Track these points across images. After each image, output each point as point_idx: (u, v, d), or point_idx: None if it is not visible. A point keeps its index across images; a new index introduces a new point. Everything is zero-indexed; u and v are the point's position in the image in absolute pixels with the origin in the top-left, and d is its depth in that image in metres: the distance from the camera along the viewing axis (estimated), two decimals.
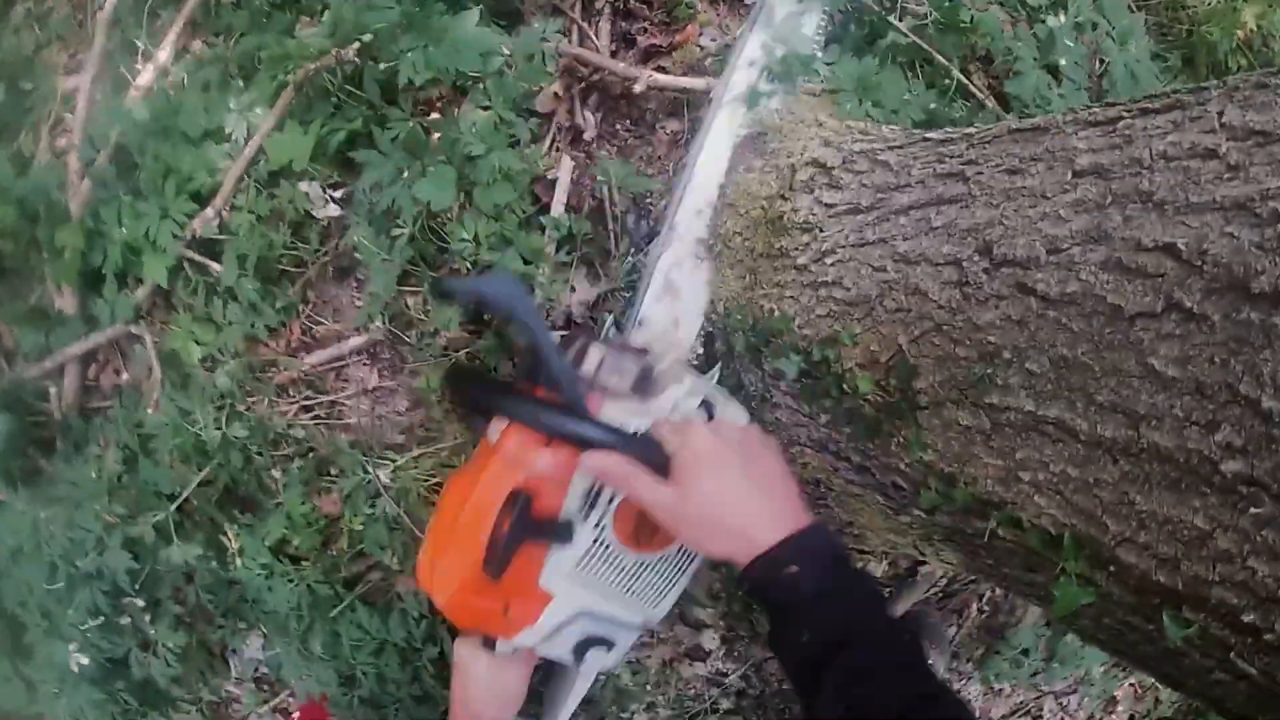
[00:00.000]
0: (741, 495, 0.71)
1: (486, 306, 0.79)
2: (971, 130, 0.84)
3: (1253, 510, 0.52)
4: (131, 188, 1.15)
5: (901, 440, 0.81)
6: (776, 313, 0.95)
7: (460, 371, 0.93)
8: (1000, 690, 1.48)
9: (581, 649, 0.90)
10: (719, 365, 1.05)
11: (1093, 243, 0.60)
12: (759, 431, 0.78)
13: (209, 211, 1.11)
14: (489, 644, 0.93)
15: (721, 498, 0.71)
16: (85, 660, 1.13)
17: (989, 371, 0.66)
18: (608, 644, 0.91)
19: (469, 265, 1.07)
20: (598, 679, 1.10)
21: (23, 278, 1.28)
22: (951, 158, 0.80)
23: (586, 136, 1.14)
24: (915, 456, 0.79)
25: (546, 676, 1.17)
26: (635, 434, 0.77)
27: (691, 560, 0.89)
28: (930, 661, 1.32)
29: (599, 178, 1.09)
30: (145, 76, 1.22)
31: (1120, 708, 1.65)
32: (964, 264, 0.70)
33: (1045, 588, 0.75)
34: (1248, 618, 0.55)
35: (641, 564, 0.84)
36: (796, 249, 0.94)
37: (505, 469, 0.81)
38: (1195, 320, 0.53)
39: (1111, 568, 0.63)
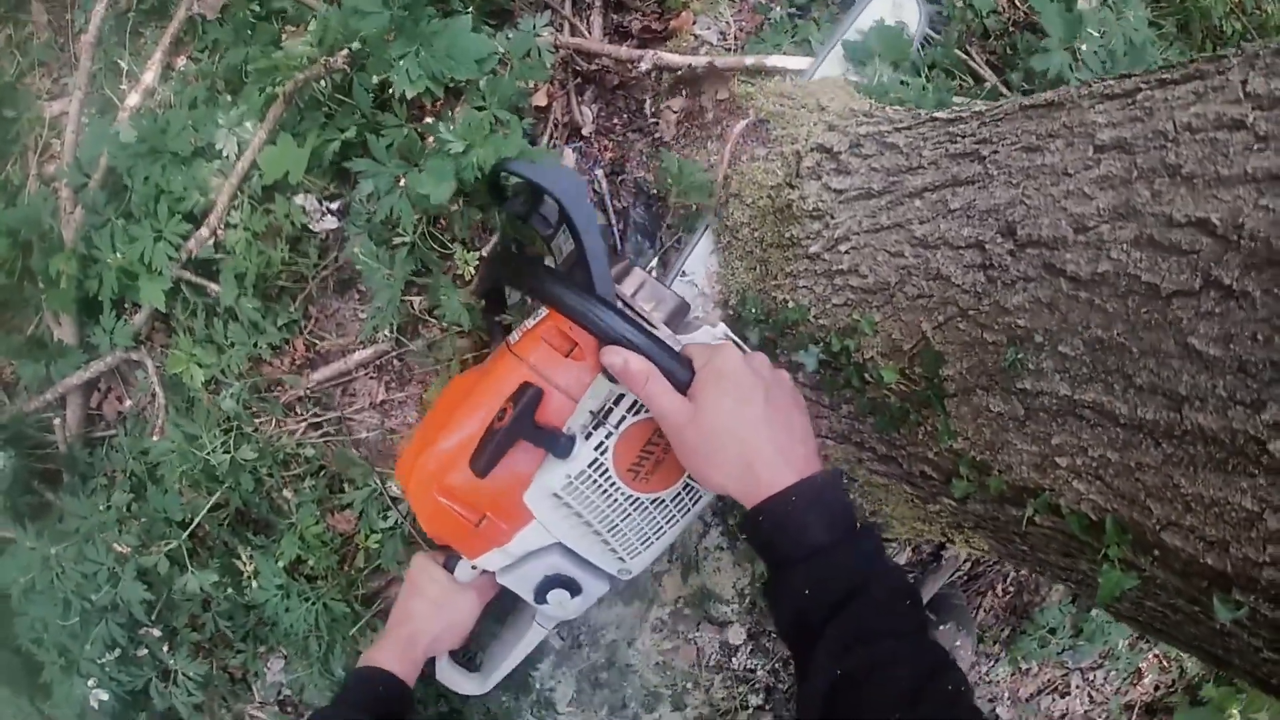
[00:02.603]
0: (758, 426, 0.66)
1: (545, 194, 0.76)
2: (981, 108, 0.82)
3: None
4: (123, 211, 1.13)
5: (929, 429, 0.79)
6: (791, 303, 0.93)
7: (510, 253, 0.89)
8: (1028, 670, 1.47)
9: (545, 588, 0.85)
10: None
11: (1121, 220, 0.58)
12: (789, 378, 0.75)
13: (204, 231, 1.09)
14: (449, 565, 0.89)
15: (737, 422, 0.66)
16: (105, 696, 1.11)
17: (1020, 356, 0.64)
18: (574, 587, 0.86)
19: (471, 269, 1.05)
20: (555, 641, 1.06)
21: (19, 310, 1.25)
22: (964, 137, 0.78)
23: (585, 131, 1.12)
24: (945, 445, 0.78)
25: (492, 632, 1.11)
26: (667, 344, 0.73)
27: (684, 514, 0.84)
28: (959, 644, 1.31)
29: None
30: (133, 98, 1.19)
31: (1146, 679, 1.64)
32: (987, 246, 0.68)
33: (1084, 573, 0.74)
34: None
35: (632, 502, 0.79)
36: (808, 238, 0.92)
37: (517, 368, 0.78)
38: (1235, 297, 0.51)
39: (1156, 552, 0.61)
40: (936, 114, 0.88)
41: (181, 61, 1.21)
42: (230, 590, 1.13)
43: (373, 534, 1.12)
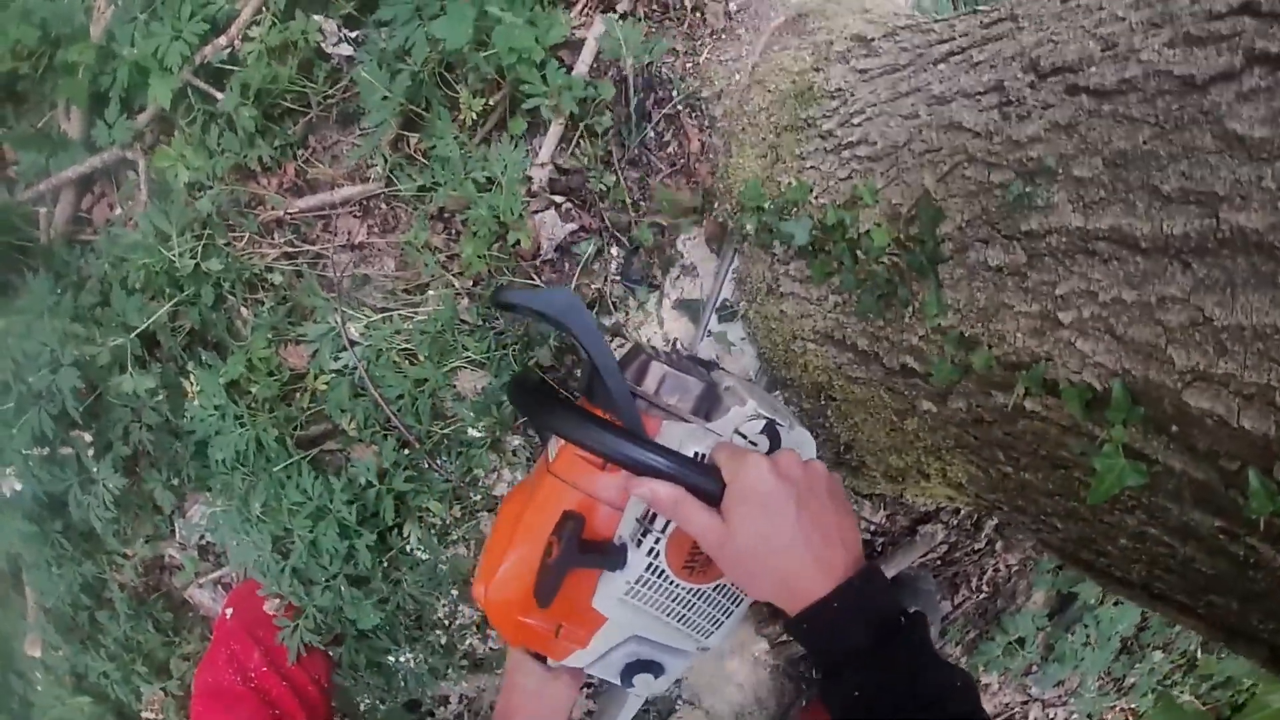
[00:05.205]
0: (790, 541, 0.67)
1: (546, 321, 0.78)
2: None
3: None
4: (151, 12, 1.12)
5: (918, 306, 0.73)
6: (795, 184, 0.88)
7: (525, 382, 0.91)
8: (987, 686, 1.35)
9: (630, 672, 0.87)
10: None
11: (1155, 28, 0.51)
12: (823, 468, 0.73)
13: (222, 39, 1.07)
14: (540, 656, 0.91)
15: (768, 542, 0.67)
16: (19, 485, 1.07)
17: (1027, 190, 0.58)
18: (657, 669, 0.88)
19: (475, 115, 1.01)
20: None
21: (36, 103, 1.24)
22: (1000, 8, 0.73)
23: (620, 8, 1.09)
24: (933, 323, 0.71)
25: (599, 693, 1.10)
26: (695, 457, 0.75)
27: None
28: None
29: (603, 42, 1.02)
30: None
31: None
32: (1006, 84, 0.62)
33: (1068, 499, 0.66)
34: None
35: (695, 593, 0.81)
36: (824, 116, 0.86)
37: (559, 490, 0.80)
38: None
39: (1174, 428, 0.52)
40: (980, 6, 0.83)
41: None
42: (164, 403, 1.08)
43: (322, 374, 1.07)
